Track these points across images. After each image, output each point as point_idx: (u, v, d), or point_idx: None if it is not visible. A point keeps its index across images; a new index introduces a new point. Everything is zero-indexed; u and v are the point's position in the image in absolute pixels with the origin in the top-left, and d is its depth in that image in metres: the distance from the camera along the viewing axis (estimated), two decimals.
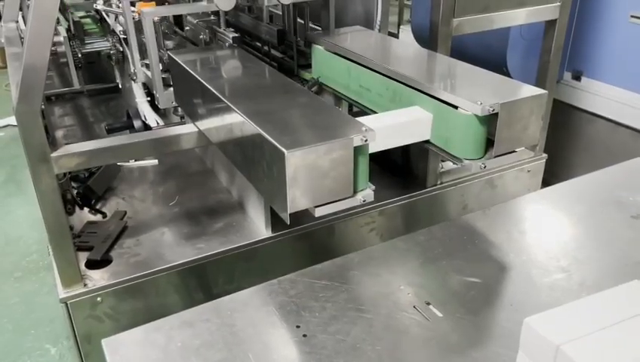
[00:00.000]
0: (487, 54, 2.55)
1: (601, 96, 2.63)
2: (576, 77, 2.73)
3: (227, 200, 1.88)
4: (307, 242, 1.75)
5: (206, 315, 1.08)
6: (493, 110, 1.18)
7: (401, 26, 4.13)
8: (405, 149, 1.96)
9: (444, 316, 1.05)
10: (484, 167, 1.23)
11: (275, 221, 1.67)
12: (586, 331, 0.76)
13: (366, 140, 1.05)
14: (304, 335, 1.02)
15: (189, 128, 1.53)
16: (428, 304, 1.08)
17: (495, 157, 1.23)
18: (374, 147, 1.22)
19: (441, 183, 1.96)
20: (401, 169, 2.03)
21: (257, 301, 1.12)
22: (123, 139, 1.52)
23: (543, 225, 1.38)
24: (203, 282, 1.64)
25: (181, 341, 1.01)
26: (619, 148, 1.69)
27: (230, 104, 1.24)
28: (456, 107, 1.24)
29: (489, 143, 1.25)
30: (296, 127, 1.15)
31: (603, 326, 0.76)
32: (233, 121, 1.23)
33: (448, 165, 1.96)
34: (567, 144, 2.76)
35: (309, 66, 1.85)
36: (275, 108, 1.22)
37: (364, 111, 1.61)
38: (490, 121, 1.21)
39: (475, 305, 1.08)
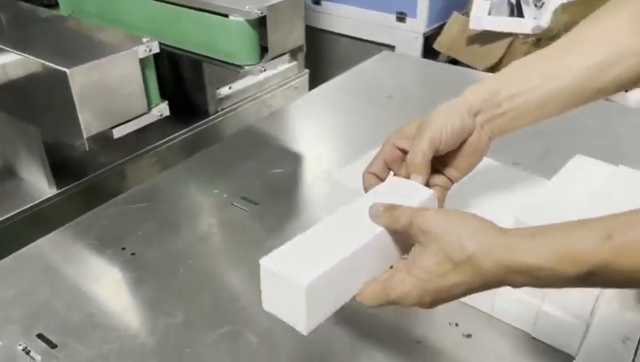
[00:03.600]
0: None
1: (340, 16, 2.95)
2: (316, 2, 3.00)
3: None
4: (99, 191, 1.66)
5: (19, 265, 0.99)
6: (262, 13, 1.27)
7: None
8: (180, 83, 1.96)
9: (260, 205, 1.15)
10: (264, 69, 1.33)
11: (58, 177, 1.54)
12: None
13: (150, 50, 1.05)
14: (132, 254, 1.01)
15: None
16: (244, 198, 1.16)
17: (271, 59, 1.34)
18: None
19: (222, 110, 2.02)
20: (181, 104, 2.02)
21: (73, 238, 1.06)
22: None
23: (319, 120, 1.55)
24: None
25: None
26: (364, 60, 1.97)
27: None
28: (227, 16, 1.30)
29: (264, 49, 1.35)
30: (72, 48, 1.07)
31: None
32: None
33: (225, 91, 2.03)
34: (323, 62, 3.06)
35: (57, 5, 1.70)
36: (40, 36, 1.12)
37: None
38: (261, 25, 1.30)
39: (281, 191, 1.20)
